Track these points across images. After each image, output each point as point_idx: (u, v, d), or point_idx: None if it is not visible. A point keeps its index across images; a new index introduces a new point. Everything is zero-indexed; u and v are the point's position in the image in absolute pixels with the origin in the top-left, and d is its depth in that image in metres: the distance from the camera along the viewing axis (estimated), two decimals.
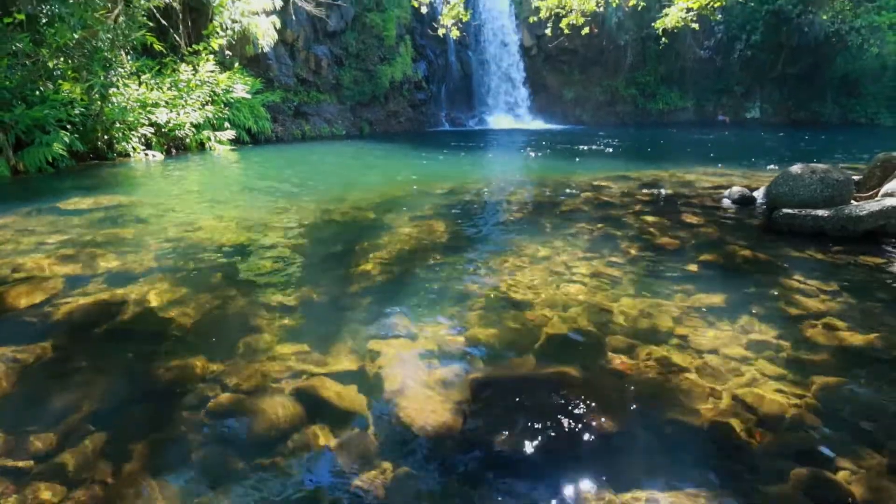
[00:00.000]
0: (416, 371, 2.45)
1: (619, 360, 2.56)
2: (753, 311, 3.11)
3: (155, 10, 11.99)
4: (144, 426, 2.08)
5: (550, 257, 4.13)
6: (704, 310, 3.14)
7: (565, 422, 2.09)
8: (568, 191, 7.01)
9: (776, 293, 3.43)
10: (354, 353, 2.62)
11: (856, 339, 2.79)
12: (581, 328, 2.91)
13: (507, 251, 4.33)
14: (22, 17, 8.75)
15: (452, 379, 2.39)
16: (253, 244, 4.56)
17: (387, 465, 1.85)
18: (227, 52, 14.11)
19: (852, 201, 5.13)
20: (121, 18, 10.41)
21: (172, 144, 11.85)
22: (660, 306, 3.18)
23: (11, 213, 5.71)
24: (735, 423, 2.08)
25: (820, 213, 4.73)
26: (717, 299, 3.29)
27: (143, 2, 10.53)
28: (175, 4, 12.58)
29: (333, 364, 2.51)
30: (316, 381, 2.36)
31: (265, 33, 14.29)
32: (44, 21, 9.13)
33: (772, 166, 9.66)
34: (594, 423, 2.07)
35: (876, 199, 5.07)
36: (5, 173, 8.54)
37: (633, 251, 4.30)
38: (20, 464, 1.85)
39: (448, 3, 9.32)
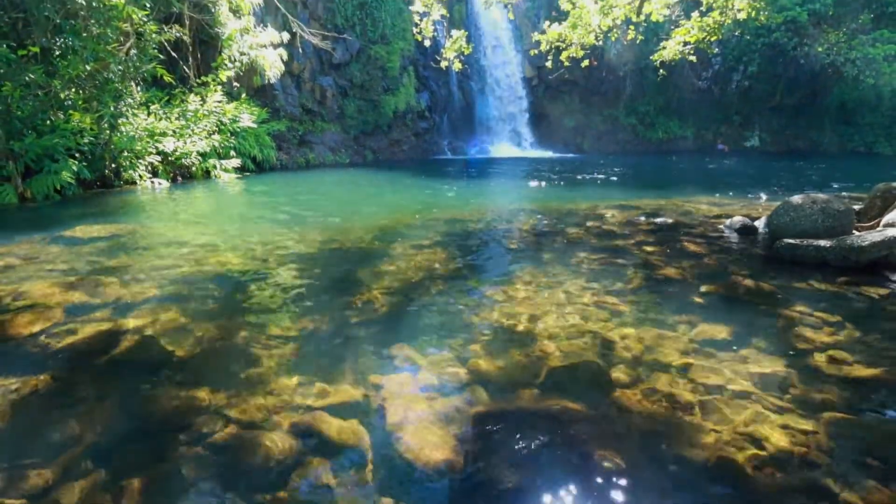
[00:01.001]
0: (418, 404, 2.43)
1: (622, 394, 2.53)
2: (758, 343, 3.09)
3: (166, 44, 12.33)
4: (143, 461, 2.06)
5: (553, 287, 4.13)
6: (708, 342, 3.12)
7: (568, 457, 2.06)
8: (570, 219, 7.05)
9: (780, 325, 3.41)
10: (356, 386, 2.60)
11: (862, 372, 2.76)
12: (584, 360, 2.89)
13: (510, 280, 4.33)
14: (36, 49, 9.01)
15: (454, 413, 2.36)
16: (255, 272, 4.58)
17: (387, 501, 1.82)
18: (235, 83, 14.45)
19: (854, 231, 5.14)
20: (132, 51, 10.71)
21: (178, 172, 12.03)
22: (663, 338, 3.16)
23: (17, 239, 5.76)
24: (741, 460, 2.04)
25: (822, 243, 4.73)
26: (720, 331, 3.27)
27: (154, 35, 10.85)
28: (185, 38, 12.95)
29: (334, 397, 2.49)
30: (316, 415, 2.34)
31: (272, 65, 14.66)
32: (57, 53, 9.40)
33: (772, 195, 9.72)
34: (598, 459, 2.04)
35: (877, 229, 5.08)
36: (13, 200, 8.66)
37: (635, 281, 4.30)
38: (16, 502, 1.82)
39: (451, 36, 9.57)
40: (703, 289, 4.10)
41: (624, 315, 3.55)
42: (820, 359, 2.92)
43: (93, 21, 9.42)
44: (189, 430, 2.24)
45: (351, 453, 2.10)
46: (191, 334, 3.20)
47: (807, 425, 2.27)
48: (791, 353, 2.99)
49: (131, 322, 3.38)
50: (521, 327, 3.34)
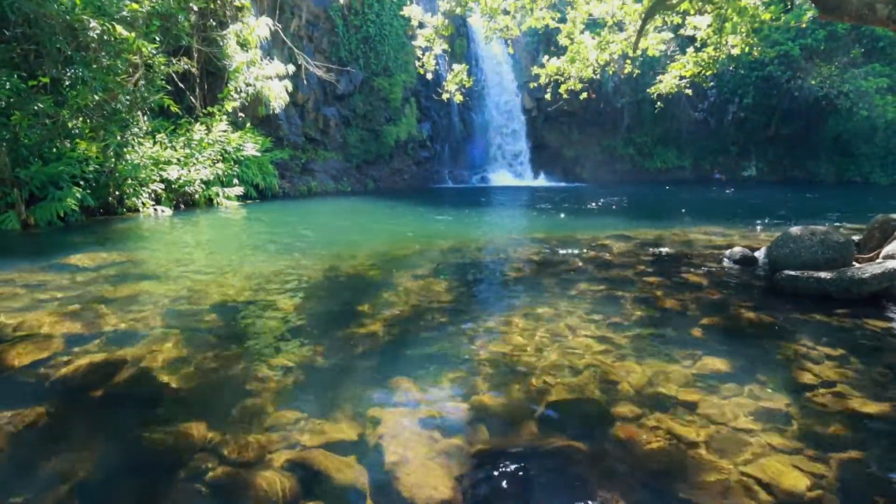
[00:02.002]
0: (418, 441, 2.38)
1: (625, 431, 2.49)
2: (761, 378, 3.05)
3: (174, 75, 12.60)
4: (134, 499, 2.01)
5: (554, 319, 4.10)
6: (712, 375, 3.09)
7: (571, 498, 2.01)
8: (570, 250, 7.07)
9: (783, 359, 3.38)
10: (354, 421, 2.56)
11: (868, 408, 2.72)
12: (586, 396, 2.85)
13: (511, 312, 4.31)
14: (47, 80, 9.21)
15: (454, 450, 2.32)
16: (255, 302, 4.56)
17: None
18: (240, 113, 14.71)
19: (854, 263, 5.15)
20: (141, 82, 10.94)
21: (181, 200, 12.12)
22: (666, 372, 3.13)
23: (18, 267, 5.76)
24: (747, 502, 1.99)
25: (823, 275, 4.73)
26: (723, 365, 3.23)
27: (162, 67, 11.10)
28: (193, 69, 13.24)
29: (332, 433, 2.45)
30: (313, 452, 2.29)
31: (277, 96, 14.95)
32: (67, 83, 9.60)
33: (770, 226, 9.77)
34: (601, 501, 1.99)
35: (877, 261, 5.09)
36: (15, 227, 8.69)
37: (636, 313, 4.28)
38: None
39: (452, 70, 9.79)
40: (704, 321, 4.08)
41: (625, 348, 3.52)
42: (825, 394, 2.88)
43: (103, 53, 9.66)
44: (182, 467, 2.19)
45: (348, 493, 2.05)
46: (187, 366, 3.17)
47: (815, 466, 2.22)
48: (796, 388, 2.95)
49: (128, 353, 3.35)
50: (521, 360, 3.31)
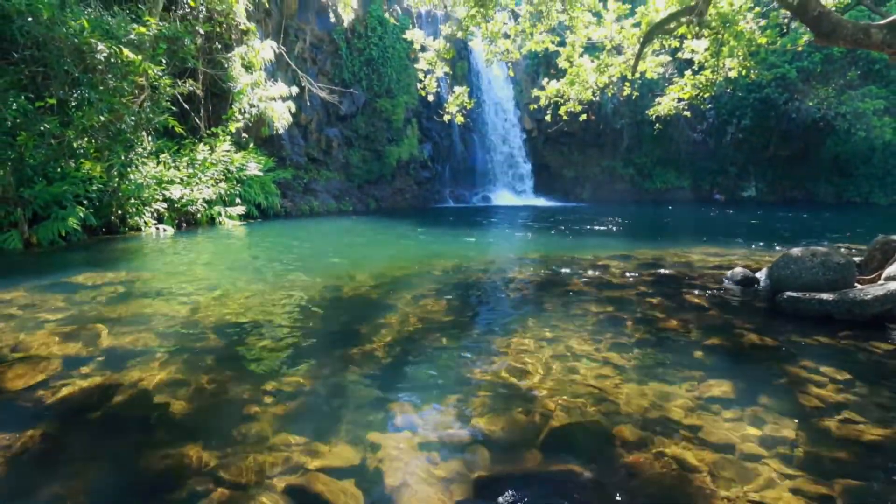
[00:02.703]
0: (418, 466, 2.35)
1: (628, 456, 2.45)
2: (765, 403, 3.02)
3: (179, 96, 12.79)
4: None
5: (555, 340, 4.08)
6: (715, 399, 3.06)
7: None
8: (570, 270, 7.06)
9: (787, 382, 3.35)
10: (353, 445, 2.53)
11: (874, 433, 2.68)
12: (588, 419, 2.82)
13: (512, 333, 4.29)
14: (53, 101, 9.34)
15: (455, 476, 2.28)
16: (254, 323, 4.55)
17: None
18: (244, 133, 14.88)
19: (856, 284, 5.13)
20: (146, 103, 11.10)
21: (183, 219, 12.18)
22: (669, 395, 3.10)
23: (19, 287, 5.77)
24: None
25: (824, 296, 4.72)
26: (727, 388, 3.20)
27: (168, 89, 11.27)
28: (198, 91, 13.44)
29: (331, 457, 2.41)
30: (312, 476, 2.26)
31: (281, 117, 15.14)
32: (73, 104, 9.73)
33: (770, 246, 9.77)
34: None
35: (879, 282, 5.07)
36: (18, 246, 8.73)
37: (638, 334, 4.26)
38: None
39: (453, 92, 9.93)
40: (706, 343, 4.05)
41: (627, 370, 3.49)
42: (830, 419, 2.84)
43: (110, 75, 9.82)
44: (180, 490, 2.16)
45: None
46: (185, 388, 3.15)
47: (821, 491, 2.18)
48: (800, 412, 2.92)
49: (126, 375, 3.33)
50: (523, 383, 3.28)
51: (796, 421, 2.81)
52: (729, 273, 6.37)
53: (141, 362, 3.55)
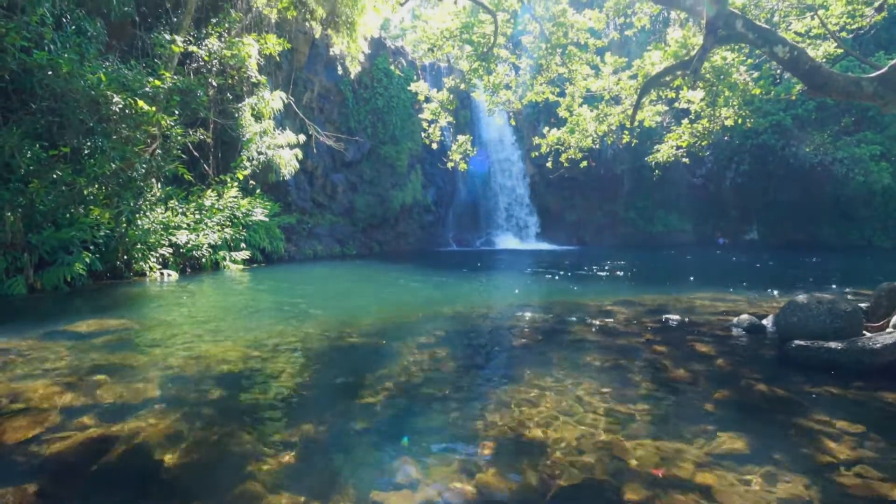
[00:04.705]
0: None
1: None
2: (779, 458, 2.93)
3: (189, 144, 13.15)
4: None
5: (561, 392, 4.01)
6: (726, 455, 2.96)
7: None
8: (575, 317, 7.02)
9: (800, 435, 3.25)
10: None
11: (891, 490, 2.58)
12: (597, 477, 2.73)
13: (517, 383, 4.22)
14: (67, 150, 9.61)
15: None
16: (256, 373, 4.50)
17: None
18: (251, 180, 15.19)
19: (864, 332, 5.07)
20: (157, 152, 11.40)
21: (188, 264, 12.26)
22: (679, 451, 3.01)
23: (20, 334, 5.75)
24: None
25: (833, 345, 4.65)
26: (738, 443, 3.11)
27: (179, 138, 11.60)
28: (208, 139, 13.83)
29: None
30: None
31: (288, 164, 15.50)
32: (86, 153, 10.00)
33: (776, 292, 9.72)
34: None
35: (887, 330, 5.01)
36: (22, 291, 8.75)
37: (645, 385, 4.18)
38: None
39: (457, 140, 10.19)
40: (716, 395, 3.97)
41: (636, 423, 3.41)
42: (846, 475, 2.75)
43: (124, 125, 10.14)
44: None
45: None
46: (184, 442, 3.08)
47: None
48: (815, 468, 2.82)
49: (124, 427, 3.27)
50: (528, 436, 3.20)
51: (811, 477, 2.71)
52: (735, 320, 6.31)
53: (139, 415, 3.49)
